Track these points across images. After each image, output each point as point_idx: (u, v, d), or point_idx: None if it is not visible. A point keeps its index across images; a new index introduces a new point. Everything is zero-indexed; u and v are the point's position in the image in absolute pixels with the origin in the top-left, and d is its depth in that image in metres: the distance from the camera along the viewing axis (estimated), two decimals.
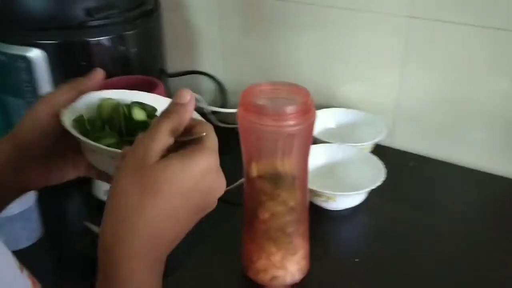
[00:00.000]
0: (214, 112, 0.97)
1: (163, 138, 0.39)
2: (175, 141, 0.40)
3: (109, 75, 0.80)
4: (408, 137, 0.89)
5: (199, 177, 0.39)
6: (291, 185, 0.55)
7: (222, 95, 1.02)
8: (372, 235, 0.72)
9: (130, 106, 0.50)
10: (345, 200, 0.72)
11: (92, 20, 0.76)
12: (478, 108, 0.81)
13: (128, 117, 0.49)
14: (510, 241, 0.69)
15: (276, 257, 0.59)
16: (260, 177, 0.54)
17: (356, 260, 0.66)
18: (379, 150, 0.83)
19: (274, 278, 0.60)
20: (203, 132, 0.40)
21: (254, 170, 0.54)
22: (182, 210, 0.39)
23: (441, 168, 0.85)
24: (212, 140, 0.40)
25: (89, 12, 0.75)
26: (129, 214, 0.38)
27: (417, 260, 0.66)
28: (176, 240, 0.40)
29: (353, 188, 0.72)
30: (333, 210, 0.74)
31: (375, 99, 0.88)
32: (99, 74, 0.53)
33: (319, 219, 0.71)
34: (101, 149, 0.45)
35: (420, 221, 0.73)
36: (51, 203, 0.75)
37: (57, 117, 0.48)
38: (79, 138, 0.46)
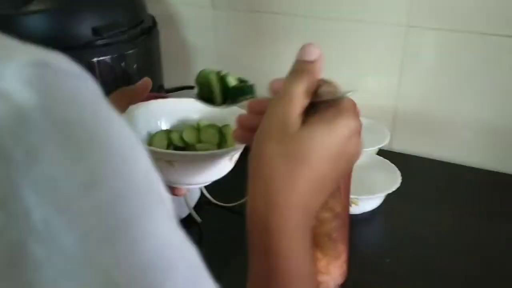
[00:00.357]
0: None
1: (300, 101, 0.38)
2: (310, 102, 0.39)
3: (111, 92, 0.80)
4: (407, 140, 0.93)
5: (345, 142, 0.38)
6: (337, 191, 0.56)
7: None
8: (395, 235, 0.74)
9: (222, 75, 0.50)
10: (367, 203, 0.74)
11: (98, 39, 0.74)
12: (466, 111, 0.86)
13: (223, 85, 0.50)
14: None
15: (322, 263, 0.59)
16: None
17: (387, 260, 0.68)
18: (380, 154, 0.86)
19: (319, 283, 0.60)
20: (336, 93, 0.39)
21: None
22: (329, 176, 0.39)
23: (443, 168, 0.90)
24: (349, 101, 0.39)
25: (96, 31, 0.73)
26: (280, 186, 0.37)
27: (445, 254, 0.69)
28: (320, 205, 0.40)
29: (370, 192, 0.75)
30: (353, 214, 0.76)
31: (375, 105, 0.92)
32: (148, 83, 0.53)
33: None
34: (156, 152, 0.47)
35: (434, 219, 0.77)
36: None
37: None
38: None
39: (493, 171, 0.88)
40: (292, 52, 0.90)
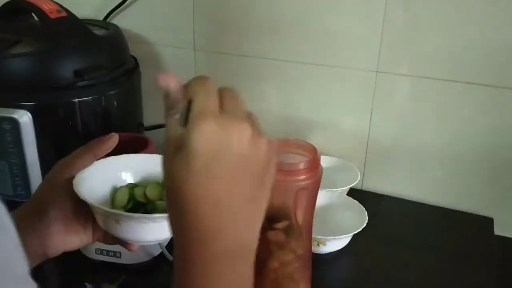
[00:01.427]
0: None
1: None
2: None
3: (92, 132, 0.82)
4: (378, 180, 0.96)
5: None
6: (300, 234, 0.59)
7: None
8: (362, 274, 0.77)
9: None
10: (335, 244, 0.77)
11: (80, 81, 0.77)
12: (435, 150, 0.90)
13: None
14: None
15: None
16: (272, 228, 0.58)
17: None
18: (351, 193, 0.89)
19: None
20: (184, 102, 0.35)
21: (267, 222, 0.58)
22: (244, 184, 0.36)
23: (412, 207, 0.93)
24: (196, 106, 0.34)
25: (78, 74, 0.77)
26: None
27: None
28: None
29: (337, 231, 0.77)
30: (320, 254, 0.78)
31: (347, 145, 0.96)
32: (114, 138, 0.55)
33: None
34: (103, 211, 0.47)
35: (401, 258, 0.79)
36: (38, 266, 0.73)
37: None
38: (86, 200, 0.48)
39: (462, 212, 0.91)
40: (271, 94, 0.95)
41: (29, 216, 0.49)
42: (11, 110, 0.74)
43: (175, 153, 0.34)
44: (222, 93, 0.37)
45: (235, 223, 0.36)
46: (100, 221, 0.50)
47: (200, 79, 0.37)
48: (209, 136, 0.33)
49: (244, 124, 0.35)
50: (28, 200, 0.51)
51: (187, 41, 0.99)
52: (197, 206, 0.34)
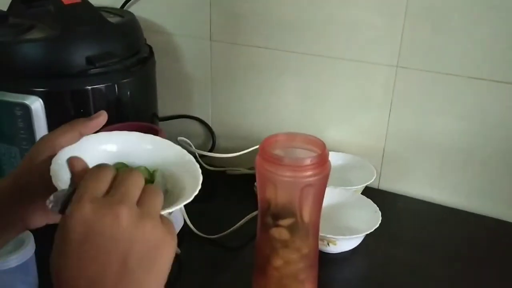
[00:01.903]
0: (202, 156, 0.98)
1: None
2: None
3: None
4: (394, 179, 0.93)
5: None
6: (306, 233, 0.57)
7: (210, 139, 1.04)
8: (373, 276, 0.74)
9: None
10: (346, 243, 0.74)
11: (92, 69, 0.76)
12: (458, 150, 0.86)
13: None
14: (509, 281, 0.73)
15: None
16: (276, 225, 0.56)
17: None
18: (367, 192, 0.86)
19: None
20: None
21: (271, 219, 0.56)
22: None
23: (431, 210, 0.89)
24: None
25: (90, 61, 0.76)
26: None
27: None
28: None
29: (350, 230, 0.75)
30: (331, 253, 0.76)
31: (364, 143, 0.92)
32: (102, 116, 0.51)
33: (320, 263, 0.72)
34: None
35: (414, 261, 0.76)
36: (46, 255, 0.73)
37: None
38: (57, 184, 0.45)
39: (485, 216, 0.87)
40: (287, 87, 0.93)
41: (8, 191, 0.48)
42: (23, 96, 0.74)
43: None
44: (145, 188, 0.39)
45: None
46: None
47: (96, 168, 0.39)
48: (82, 220, 0.35)
49: (120, 208, 0.36)
50: (7, 176, 0.49)
51: (204, 31, 0.97)
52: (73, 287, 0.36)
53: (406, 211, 0.89)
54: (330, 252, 0.76)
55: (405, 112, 0.88)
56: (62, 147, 0.48)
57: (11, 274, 0.65)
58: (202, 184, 0.45)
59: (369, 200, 0.79)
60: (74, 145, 0.48)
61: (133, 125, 0.80)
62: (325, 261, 0.75)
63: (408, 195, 0.92)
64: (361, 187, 0.86)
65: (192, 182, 0.45)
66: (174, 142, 0.51)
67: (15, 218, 0.49)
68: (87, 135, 0.49)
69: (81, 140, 0.49)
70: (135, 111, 0.87)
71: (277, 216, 0.56)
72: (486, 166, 0.85)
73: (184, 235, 0.78)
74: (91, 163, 0.49)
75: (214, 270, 0.72)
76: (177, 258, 0.74)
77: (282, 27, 0.91)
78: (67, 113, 0.79)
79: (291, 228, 0.56)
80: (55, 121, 0.77)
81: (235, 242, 0.78)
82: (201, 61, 1.00)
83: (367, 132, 0.92)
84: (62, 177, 0.46)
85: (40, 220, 0.50)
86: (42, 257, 0.71)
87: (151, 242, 0.37)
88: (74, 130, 0.49)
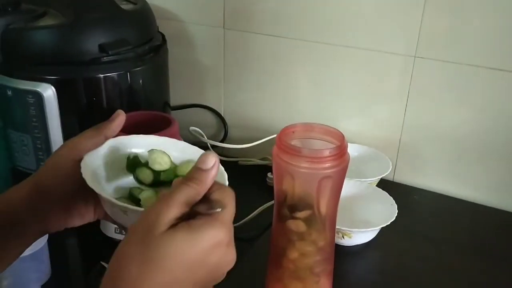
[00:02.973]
0: (214, 146, 0.98)
1: (177, 208, 0.37)
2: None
3: (116, 108, 0.80)
4: (410, 171, 0.91)
5: (207, 251, 0.37)
6: (322, 225, 0.56)
7: (223, 129, 1.03)
8: (388, 269, 0.73)
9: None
10: (361, 236, 0.73)
11: (105, 56, 0.75)
12: (475, 143, 0.85)
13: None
14: None
15: None
16: (293, 217, 0.55)
17: None
18: (382, 184, 0.85)
19: None
20: (221, 200, 0.39)
21: (287, 211, 0.55)
22: (185, 282, 0.37)
23: (447, 203, 0.88)
24: (227, 213, 0.38)
25: (103, 48, 0.75)
26: (125, 285, 0.36)
27: None
28: None
29: (365, 223, 0.74)
30: (346, 246, 0.75)
31: (379, 134, 0.91)
32: (121, 115, 0.51)
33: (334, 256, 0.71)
34: (111, 203, 0.44)
35: (429, 255, 0.75)
36: (58, 243, 0.73)
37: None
38: (93, 189, 0.45)
39: (496, 209, 0.85)
40: (301, 76, 0.92)
41: (28, 196, 0.48)
42: (35, 83, 0.73)
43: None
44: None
45: None
46: (107, 209, 0.48)
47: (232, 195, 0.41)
48: (210, 244, 0.38)
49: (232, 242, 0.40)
50: (25, 181, 0.49)
51: (217, 19, 0.96)
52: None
53: (422, 204, 0.88)
54: (345, 245, 0.75)
55: (422, 104, 0.86)
56: (86, 151, 0.47)
57: (24, 263, 0.65)
58: None
59: (385, 192, 0.78)
60: (99, 149, 0.48)
61: (146, 114, 0.79)
62: (340, 254, 0.74)
63: (423, 188, 0.91)
64: (376, 179, 0.84)
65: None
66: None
67: (35, 222, 0.48)
68: (111, 138, 0.49)
69: (106, 143, 0.49)
70: (147, 100, 0.86)
71: (293, 208, 0.54)
72: (504, 159, 0.84)
73: None
74: (115, 167, 0.49)
75: None
76: None
77: (296, 16, 0.89)
78: (79, 101, 0.78)
79: (308, 221, 0.54)
80: (67, 109, 0.76)
81: (248, 233, 0.77)
82: (214, 50, 0.98)
83: (382, 124, 0.90)
84: (99, 180, 0.47)
85: (59, 224, 0.50)
86: (55, 245, 0.70)
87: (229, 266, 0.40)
88: (100, 134, 0.49)
